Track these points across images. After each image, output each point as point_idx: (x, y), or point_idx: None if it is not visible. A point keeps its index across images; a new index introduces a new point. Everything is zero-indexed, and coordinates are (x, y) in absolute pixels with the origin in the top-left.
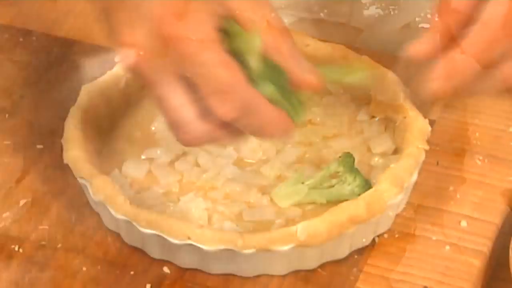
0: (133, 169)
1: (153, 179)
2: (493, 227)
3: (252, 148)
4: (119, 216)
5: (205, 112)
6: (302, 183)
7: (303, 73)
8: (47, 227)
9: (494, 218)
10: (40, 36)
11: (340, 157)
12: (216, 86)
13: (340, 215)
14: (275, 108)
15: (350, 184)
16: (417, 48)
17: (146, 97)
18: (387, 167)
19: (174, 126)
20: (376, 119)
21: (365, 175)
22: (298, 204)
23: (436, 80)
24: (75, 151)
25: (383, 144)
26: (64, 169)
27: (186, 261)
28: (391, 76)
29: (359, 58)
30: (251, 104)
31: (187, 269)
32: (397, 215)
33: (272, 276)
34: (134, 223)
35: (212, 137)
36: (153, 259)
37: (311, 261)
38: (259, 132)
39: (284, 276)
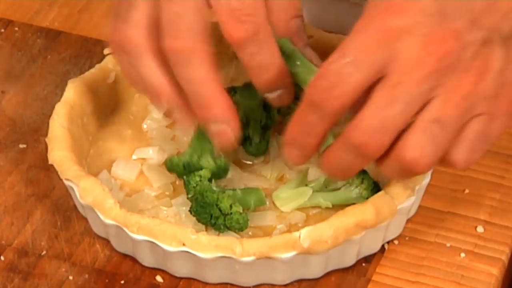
0: (124, 170)
1: (145, 181)
2: None
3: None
4: (108, 221)
5: None
6: (306, 185)
7: None
8: (30, 232)
9: None
10: (23, 27)
11: None
12: (234, 8)
13: (346, 220)
14: (283, 61)
15: (357, 187)
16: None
17: (137, 92)
18: None
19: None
20: None
21: (374, 177)
22: (302, 208)
23: (287, 145)
24: (61, 150)
25: None
26: (49, 170)
27: (180, 269)
28: None
29: None
30: (262, 33)
31: (181, 278)
32: (408, 220)
33: (273, 285)
34: (125, 229)
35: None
36: (145, 268)
37: (315, 270)
38: (256, 71)
39: (286, 285)
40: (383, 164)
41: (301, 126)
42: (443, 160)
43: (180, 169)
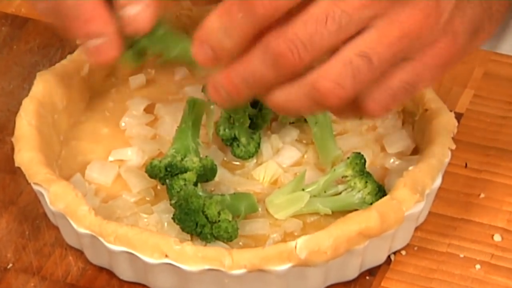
0: (99, 173)
1: (123, 185)
2: None
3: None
4: (82, 230)
5: None
6: (303, 189)
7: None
8: None
9: None
10: None
11: (348, 158)
12: None
13: (348, 228)
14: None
15: (360, 191)
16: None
17: (114, 86)
18: (405, 170)
19: None
20: (392, 112)
21: (379, 180)
22: (298, 215)
23: (200, 40)
24: (29, 151)
25: (400, 142)
26: (16, 174)
27: (163, 283)
28: None
29: None
30: None
31: None
32: (417, 228)
33: None
34: (100, 239)
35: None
36: (123, 282)
37: (313, 284)
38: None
39: None
40: (294, 86)
41: (223, 21)
42: (356, 103)
43: (162, 173)
